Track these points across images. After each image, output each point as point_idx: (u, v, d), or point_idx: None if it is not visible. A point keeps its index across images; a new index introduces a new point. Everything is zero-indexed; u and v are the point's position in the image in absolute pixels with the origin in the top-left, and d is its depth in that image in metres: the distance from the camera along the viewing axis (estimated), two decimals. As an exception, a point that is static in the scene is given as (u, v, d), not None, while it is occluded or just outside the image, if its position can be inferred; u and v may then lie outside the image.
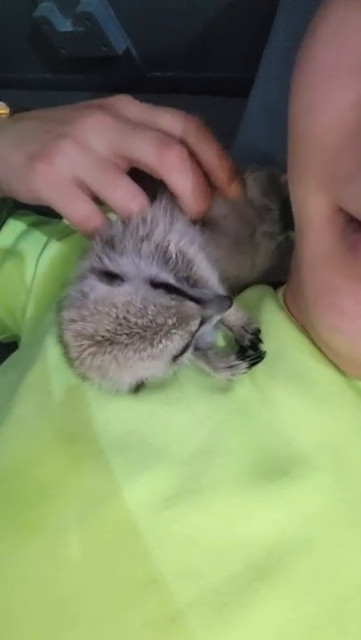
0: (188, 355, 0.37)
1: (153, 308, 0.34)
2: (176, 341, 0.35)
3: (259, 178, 0.50)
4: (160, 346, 0.34)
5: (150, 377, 0.37)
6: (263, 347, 0.39)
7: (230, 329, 0.42)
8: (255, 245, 0.49)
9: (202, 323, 0.36)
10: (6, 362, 0.49)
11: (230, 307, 0.37)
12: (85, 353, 0.35)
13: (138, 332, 0.34)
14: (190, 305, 0.35)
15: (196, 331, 0.36)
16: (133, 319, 0.34)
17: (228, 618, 0.28)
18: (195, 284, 0.39)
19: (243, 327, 0.41)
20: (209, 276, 0.41)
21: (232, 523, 0.31)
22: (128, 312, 0.34)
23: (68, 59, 0.96)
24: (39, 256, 0.57)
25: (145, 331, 0.34)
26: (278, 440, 0.34)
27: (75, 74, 1.03)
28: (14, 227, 0.62)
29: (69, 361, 0.37)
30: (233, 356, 0.38)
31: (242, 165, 0.54)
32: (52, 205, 0.45)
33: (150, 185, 0.44)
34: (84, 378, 0.37)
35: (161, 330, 0.34)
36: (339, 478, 0.33)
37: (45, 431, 0.37)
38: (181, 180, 0.42)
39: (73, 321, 0.35)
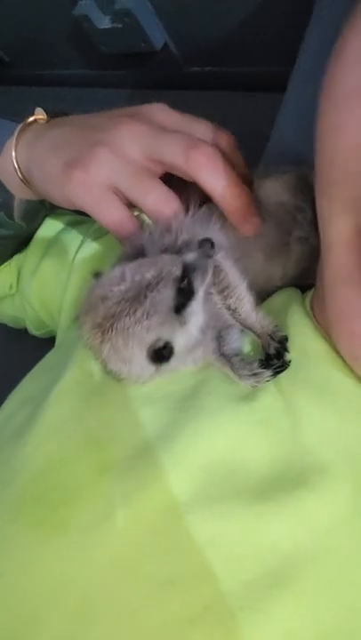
0: (195, 308, 0.38)
1: (128, 271, 0.37)
2: (162, 290, 0.36)
3: (287, 180, 0.50)
4: (147, 301, 0.36)
5: (162, 340, 0.37)
6: (288, 356, 0.40)
7: (258, 336, 0.42)
8: (289, 251, 0.49)
9: (187, 270, 0.37)
10: (39, 365, 0.50)
11: (212, 247, 0.38)
12: (101, 343, 0.37)
13: (123, 298, 0.36)
14: (164, 255, 0.37)
15: (184, 277, 0.37)
16: (115, 289, 0.36)
17: (242, 622, 0.29)
18: (222, 292, 0.40)
19: (269, 335, 0.41)
20: (237, 283, 0.41)
21: (250, 531, 0.32)
22: (111, 286, 0.37)
23: (108, 55, 0.97)
24: (75, 255, 0.59)
25: (128, 292, 0.36)
26: (298, 450, 0.35)
27: (114, 70, 1.04)
28: (52, 226, 0.64)
29: (102, 362, 0.39)
30: (256, 364, 0.39)
31: (275, 165, 0.53)
32: (87, 211, 0.46)
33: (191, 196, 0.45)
34: (114, 375, 0.39)
35: (141, 286, 0.36)
36: (357, 489, 0.33)
37: (76, 436, 0.38)
38: (210, 177, 0.43)
39: (85, 322, 0.38)
